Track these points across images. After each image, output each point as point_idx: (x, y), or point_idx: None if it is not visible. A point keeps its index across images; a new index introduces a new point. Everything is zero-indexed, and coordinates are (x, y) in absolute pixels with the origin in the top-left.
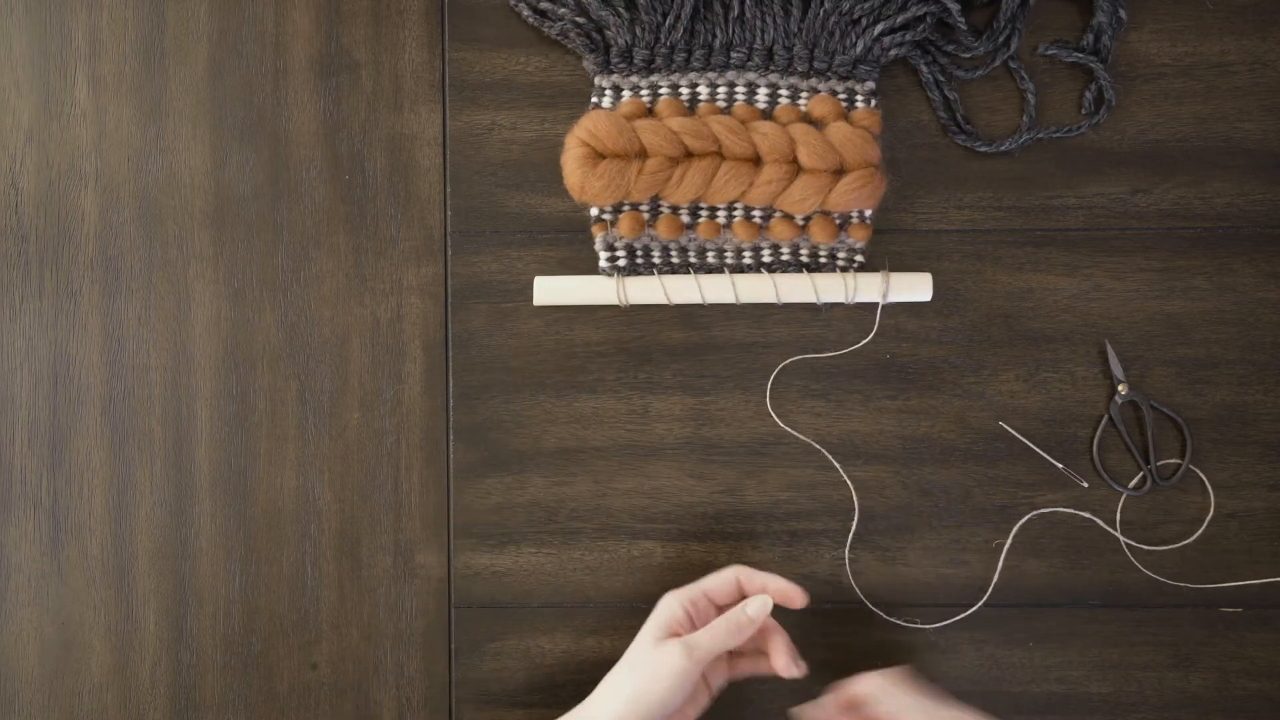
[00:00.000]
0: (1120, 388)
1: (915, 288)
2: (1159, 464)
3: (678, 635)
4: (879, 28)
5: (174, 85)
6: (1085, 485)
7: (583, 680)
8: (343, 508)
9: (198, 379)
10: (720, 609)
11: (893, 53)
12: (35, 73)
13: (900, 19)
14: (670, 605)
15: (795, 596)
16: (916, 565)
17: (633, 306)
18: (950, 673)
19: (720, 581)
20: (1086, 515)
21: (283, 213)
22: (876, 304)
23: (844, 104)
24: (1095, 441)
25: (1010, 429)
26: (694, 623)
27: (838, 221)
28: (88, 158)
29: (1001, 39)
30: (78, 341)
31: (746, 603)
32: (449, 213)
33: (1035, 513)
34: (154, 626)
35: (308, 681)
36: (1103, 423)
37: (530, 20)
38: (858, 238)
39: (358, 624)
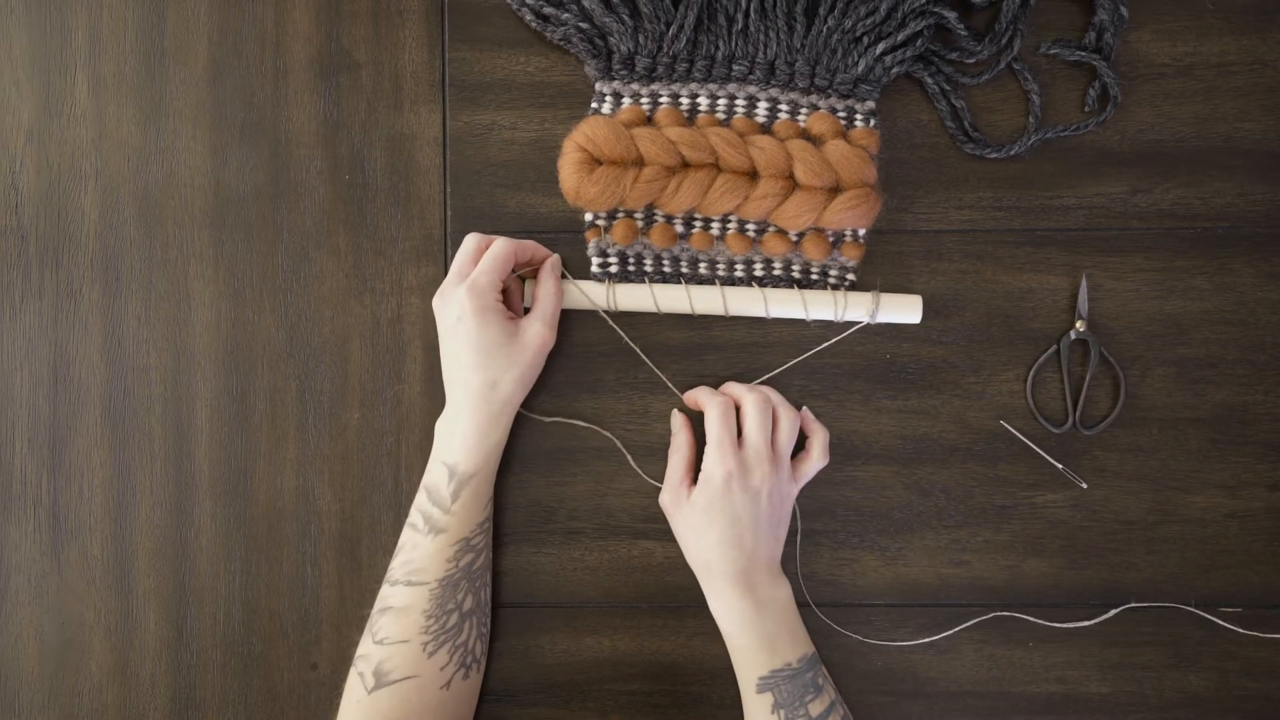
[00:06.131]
0: (1078, 324)
1: (905, 309)
2: (1114, 413)
3: (507, 313)
4: (880, 47)
5: (174, 85)
6: (1085, 486)
7: (582, 680)
8: (343, 508)
9: (198, 379)
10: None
11: (894, 71)
12: (35, 73)
13: (901, 36)
14: (491, 292)
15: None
16: (916, 565)
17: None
18: (950, 672)
19: (503, 258)
20: (1086, 515)
21: (283, 213)
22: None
23: (843, 122)
24: (1032, 372)
25: (1010, 429)
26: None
27: (831, 239)
28: (88, 158)
29: (1004, 41)
30: (78, 341)
31: (551, 266)
32: (449, 213)
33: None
34: (154, 626)
35: (308, 681)
36: (1048, 352)
37: (533, 25)
38: (850, 256)
39: (358, 624)
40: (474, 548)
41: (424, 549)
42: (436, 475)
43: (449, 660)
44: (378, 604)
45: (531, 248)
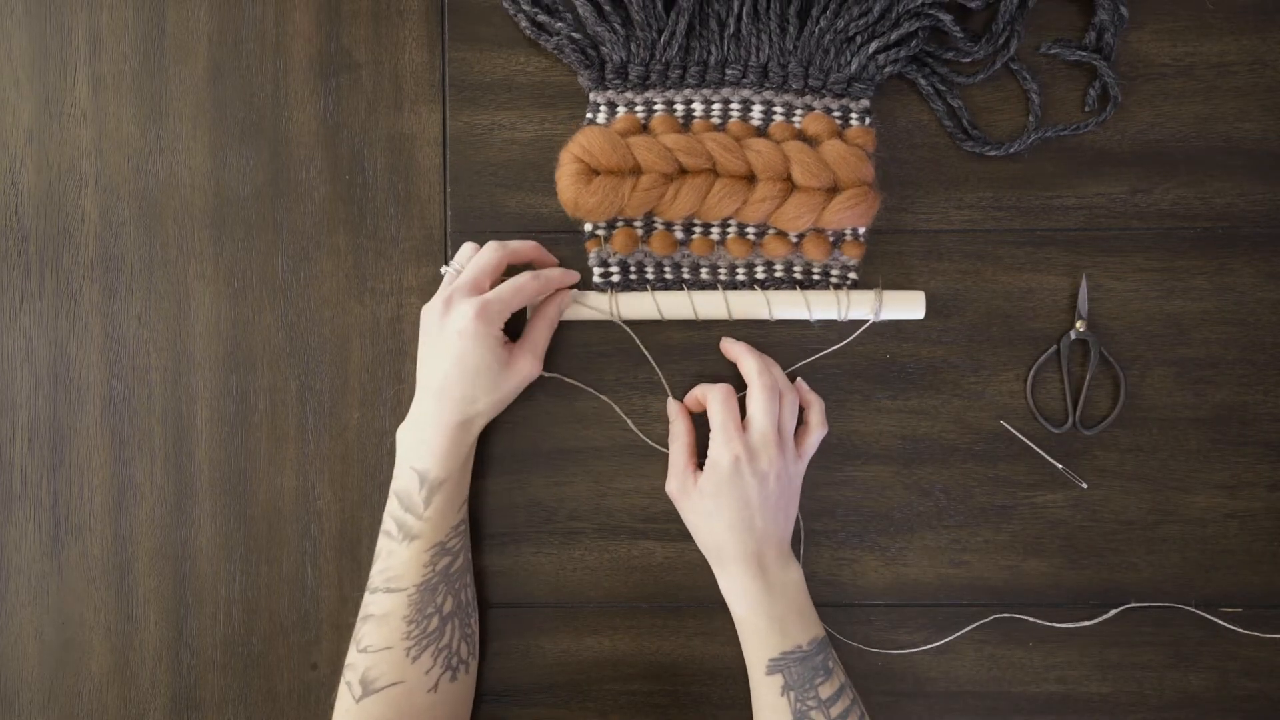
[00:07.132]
0: (1078, 324)
1: (908, 306)
2: (1116, 413)
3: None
4: (873, 45)
5: (174, 85)
6: (1085, 485)
7: (582, 680)
8: (343, 508)
9: (198, 379)
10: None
11: (887, 70)
12: (35, 73)
13: (894, 35)
14: (501, 321)
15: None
16: (916, 565)
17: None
18: (950, 673)
19: (528, 295)
20: (1086, 515)
21: (283, 213)
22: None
23: (838, 122)
24: (1032, 372)
25: (1010, 429)
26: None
27: (831, 239)
28: (88, 158)
29: (1001, 41)
30: (78, 341)
31: (558, 305)
32: (449, 213)
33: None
34: (154, 626)
35: (308, 681)
36: (1048, 352)
37: (528, 33)
38: (851, 255)
39: None
40: (450, 551)
41: (399, 556)
42: (406, 481)
43: (433, 664)
44: (361, 612)
45: (558, 282)
